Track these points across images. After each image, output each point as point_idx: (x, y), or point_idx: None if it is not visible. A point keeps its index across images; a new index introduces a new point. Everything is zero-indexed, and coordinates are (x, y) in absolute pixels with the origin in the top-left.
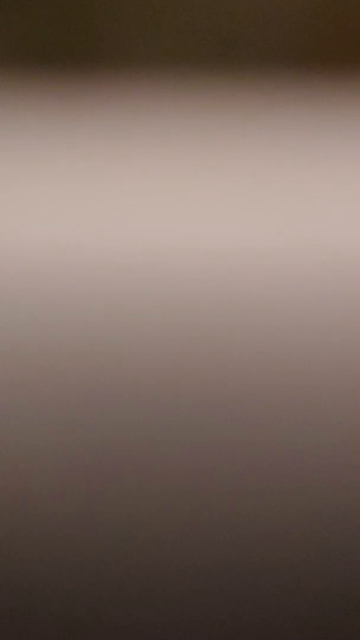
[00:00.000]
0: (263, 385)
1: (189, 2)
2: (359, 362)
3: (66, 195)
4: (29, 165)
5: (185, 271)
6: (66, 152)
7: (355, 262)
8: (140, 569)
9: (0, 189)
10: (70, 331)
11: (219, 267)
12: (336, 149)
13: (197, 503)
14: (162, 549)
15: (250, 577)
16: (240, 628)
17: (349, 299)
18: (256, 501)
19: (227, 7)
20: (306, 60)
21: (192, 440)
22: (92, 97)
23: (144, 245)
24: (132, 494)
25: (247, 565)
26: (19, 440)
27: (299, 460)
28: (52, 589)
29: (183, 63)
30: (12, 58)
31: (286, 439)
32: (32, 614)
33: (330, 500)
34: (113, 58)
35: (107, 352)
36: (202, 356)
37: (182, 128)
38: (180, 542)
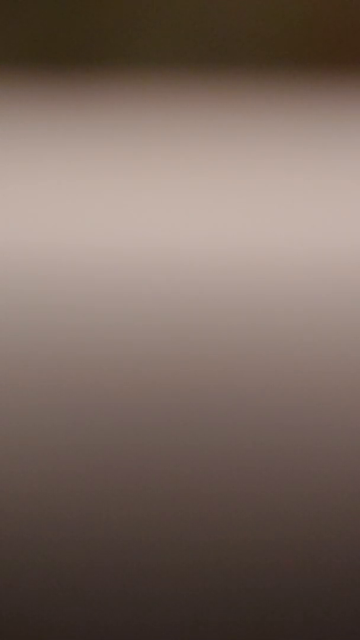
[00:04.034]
0: (263, 388)
1: (189, 2)
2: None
3: (65, 195)
4: (28, 165)
5: (186, 272)
6: (65, 153)
7: (356, 263)
8: (140, 572)
9: (0, 189)
10: (70, 332)
11: (220, 268)
12: (337, 148)
13: (197, 506)
14: (162, 553)
15: (249, 579)
16: (240, 630)
17: (351, 299)
18: (256, 503)
19: (227, 7)
20: (306, 61)
21: (192, 442)
22: (92, 97)
23: (143, 246)
24: (132, 497)
25: (247, 567)
26: (19, 443)
27: (298, 462)
28: (52, 592)
29: (183, 63)
30: (12, 58)
31: (285, 441)
32: (32, 617)
33: (331, 502)
34: (113, 58)
35: (107, 353)
36: (203, 358)
37: (181, 128)
38: (181, 546)
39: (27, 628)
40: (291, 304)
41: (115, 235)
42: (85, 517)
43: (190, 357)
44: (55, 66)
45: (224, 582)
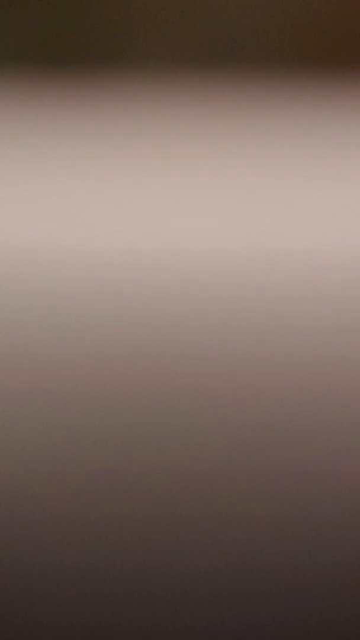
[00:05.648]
0: (263, 388)
1: (189, 2)
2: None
3: (65, 195)
4: (28, 165)
5: (186, 272)
6: (65, 152)
7: (356, 262)
8: (141, 573)
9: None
10: (70, 331)
11: (220, 268)
12: (337, 148)
13: (197, 506)
14: (162, 553)
15: (249, 580)
16: (239, 631)
17: (351, 299)
18: (256, 503)
19: (227, 7)
20: (306, 60)
21: (193, 442)
22: (92, 97)
23: (143, 247)
24: (132, 497)
25: (248, 567)
26: (19, 444)
27: (298, 462)
28: (52, 591)
29: (183, 63)
30: (12, 58)
31: (285, 441)
32: (32, 619)
33: (330, 502)
34: (113, 58)
35: (107, 352)
36: (204, 357)
37: (182, 128)
38: (181, 546)
39: (27, 628)
40: (291, 303)
41: (115, 235)
42: (85, 517)
43: (190, 356)
44: (56, 66)
45: (224, 582)
